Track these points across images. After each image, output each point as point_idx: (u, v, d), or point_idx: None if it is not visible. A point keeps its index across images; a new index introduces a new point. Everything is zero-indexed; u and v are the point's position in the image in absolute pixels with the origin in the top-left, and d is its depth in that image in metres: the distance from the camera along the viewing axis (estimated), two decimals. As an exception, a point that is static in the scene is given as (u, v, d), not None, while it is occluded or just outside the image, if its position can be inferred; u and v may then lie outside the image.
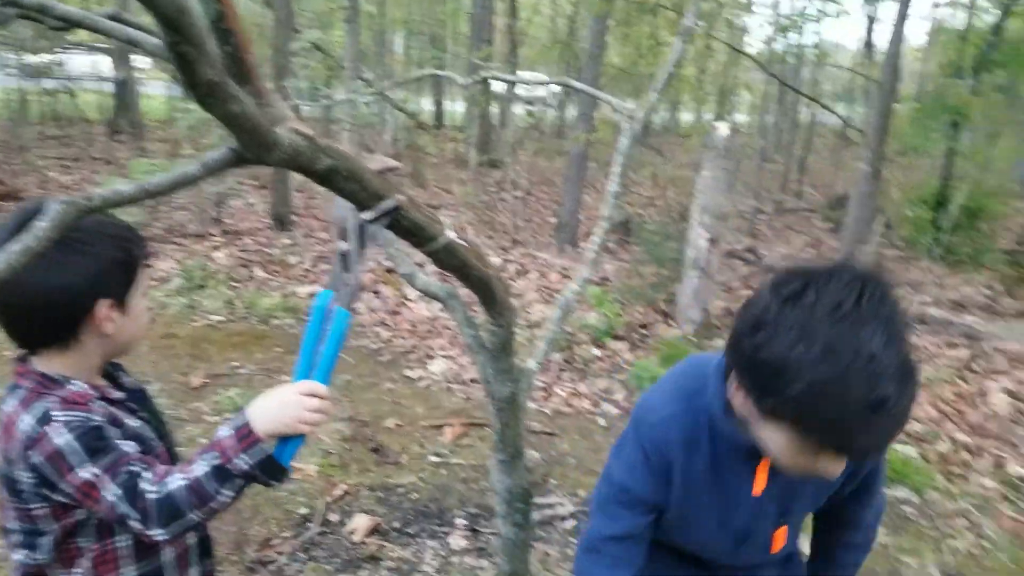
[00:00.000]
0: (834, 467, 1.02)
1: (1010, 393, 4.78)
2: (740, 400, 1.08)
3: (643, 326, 5.58)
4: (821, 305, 0.94)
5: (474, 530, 3.14)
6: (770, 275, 1.05)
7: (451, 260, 1.38)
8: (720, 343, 5.22)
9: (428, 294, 1.80)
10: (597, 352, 5.18)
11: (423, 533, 3.11)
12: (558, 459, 3.86)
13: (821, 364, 0.92)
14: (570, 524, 3.30)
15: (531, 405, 4.42)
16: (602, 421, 4.36)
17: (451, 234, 1.36)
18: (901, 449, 4.24)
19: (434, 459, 3.70)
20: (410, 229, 1.26)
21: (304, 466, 3.45)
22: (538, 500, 3.44)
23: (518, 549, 1.96)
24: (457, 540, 3.07)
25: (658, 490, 1.26)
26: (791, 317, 0.95)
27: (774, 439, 1.04)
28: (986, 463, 4.20)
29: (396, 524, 3.14)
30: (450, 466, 3.66)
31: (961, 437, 4.40)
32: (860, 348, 0.91)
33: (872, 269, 0.99)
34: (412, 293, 5.77)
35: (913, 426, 4.51)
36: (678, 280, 5.67)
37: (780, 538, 1.29)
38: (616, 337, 5.37)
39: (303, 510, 3.15)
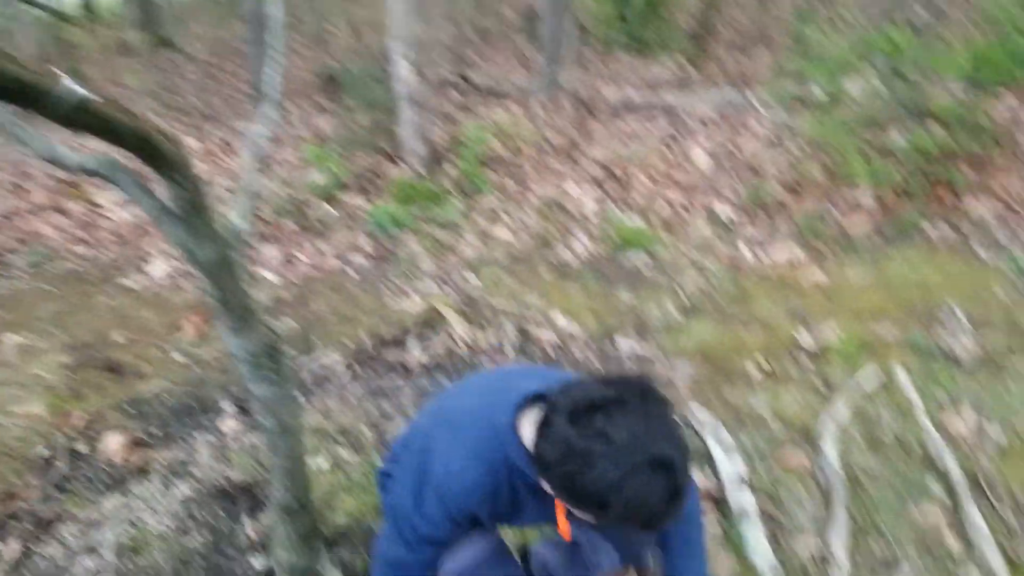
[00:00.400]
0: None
1: (707, 150, 5.30)
2: (547, 487, 1.25)
3: (372, 172, 5.40)
4: (618, 438, 1.12)
5: (244, 409, 2.94)
6: (559, 402, 1.21)
7: (88, 120, 1.10)
8: (450, 171, 5.21)
9: (83, 171, 1.49)
10: (331, 209, 4.94)
11: (190, 430, 2.86)
12: (317, 319, 3.70)
13: (630, 485, 1.11)
14: (344, 375, 3.21)
15: (274, 278, 4.16)
16: (352, 273, 4.22)
17: (73, 86, 1.06)
18: (629, 222, 4.59)
19: (180, 359, 3.37)
20: (8, 89, 0.97)
21: (28, 410, 2.98)
22: (307, 361, 3.30)
23: (281, 405, 1.81)
24: (228, 424, 2.86)
25: (463, 529, 1.48)
26: (596, 450, 1.12)
27: (587, 518, 1.24)
28: (700, 214, 4.68)
29: (156, 431, 2.85)
30: (200, 360, 3.36)
31: (676, 197, 4.84)
32: (656, 461, 1.12)
33: (644, 381, 1.21)
34: (105, 199, 5.06)
35: (635, 199, 4.89)
36: (396, 120, 5.49)
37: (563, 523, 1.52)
38: (347, 189, 5.15)
39: (43, 452, 2.75)
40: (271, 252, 4.41)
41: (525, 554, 1.79)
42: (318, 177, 5.17)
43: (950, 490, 2.43)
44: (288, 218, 4.82)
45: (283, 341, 3.41)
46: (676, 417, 1.21)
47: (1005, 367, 3.07)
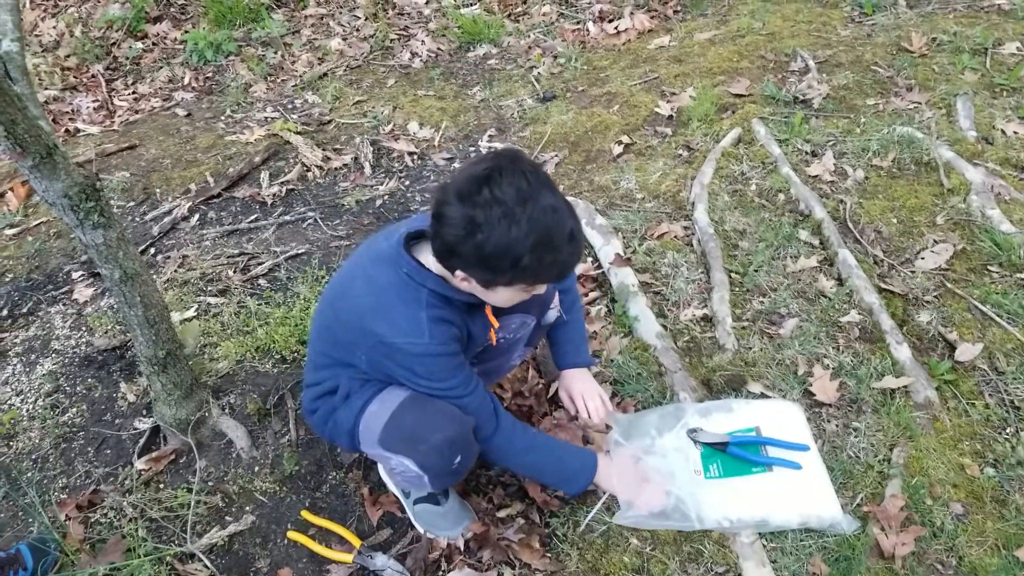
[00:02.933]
0: (543, 289, 1.46)
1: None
2: (467, 285, 1.39)
3: (178, -5, 4.82)
4: (508, 197, 1.22)
5: (95, 274, 2.75)
6: (445, 193, 1.28)
7: None
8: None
9: None
10: (140, 44, 4.43)
11: (40, 305, 2.66)
12: (152, 167, 3.41)
13: (533, 233, 1.23)
14: (195, 220, 3.03)
15: (93, 128, 3.77)
16: (181, 111, 3.87)
17: None
18: (469, 12, 4.35)
19: (10, 231, 3.08)
20: None
21: None
22: (153, 213, 3.09)
23: (118, 249, 1.68)
24: (82, 291, 2.68)
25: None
26: (494, 215, 1.22)
27: (503, 296, 1.40)
28: (539, -6, 4.48)
29: (4, 313, 2.64)
30: (32, 229, 3.08)
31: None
32: (546, 208, 1.25)
33: (512, 152, 1.32)
34: None
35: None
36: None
37: (492, 335, 1.65)
38: (153, 20, 4.60)
39: None
40: (83, 101, 3.96)
41: None
42: (117, 9, 4.57)
43: (818, 234, 2.51)
44: (94, 61, 4.30)
45: (109, 188, 3.16)
46: (547, 174, 1.32)
47: (857, 106, 3.17)
